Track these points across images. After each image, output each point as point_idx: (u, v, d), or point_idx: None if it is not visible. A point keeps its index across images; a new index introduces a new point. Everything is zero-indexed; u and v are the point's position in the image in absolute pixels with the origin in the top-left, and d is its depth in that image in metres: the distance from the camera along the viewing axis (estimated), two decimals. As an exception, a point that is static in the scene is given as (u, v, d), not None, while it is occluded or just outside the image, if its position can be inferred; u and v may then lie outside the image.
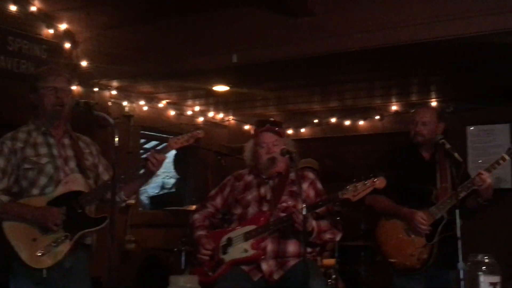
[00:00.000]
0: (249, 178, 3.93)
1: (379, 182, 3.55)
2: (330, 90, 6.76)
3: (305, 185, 3.84)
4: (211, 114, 7.61)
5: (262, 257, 3.63)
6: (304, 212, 3.34)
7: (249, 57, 5.00)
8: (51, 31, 5.27)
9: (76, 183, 3.31)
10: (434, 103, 6.73)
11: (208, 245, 3.73)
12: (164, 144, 3.54)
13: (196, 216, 3.95)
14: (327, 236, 3.78)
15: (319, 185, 3.92)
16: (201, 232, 3.84)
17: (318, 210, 3.70)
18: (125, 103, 6.30)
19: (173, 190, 8.95)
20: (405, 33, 4.48)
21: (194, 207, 5.05)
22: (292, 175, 3.80)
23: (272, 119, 6.37)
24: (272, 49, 4.93)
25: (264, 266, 3.63)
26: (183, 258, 5.55)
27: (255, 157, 3.90)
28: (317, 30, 4.75)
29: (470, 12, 4.25)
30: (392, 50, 4.71)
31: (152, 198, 8.64)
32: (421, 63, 5.41)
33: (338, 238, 3.88)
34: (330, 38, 4.73)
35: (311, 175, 3.97)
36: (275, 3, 4.71)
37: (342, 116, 7.69)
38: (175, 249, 5.70)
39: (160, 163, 3.40)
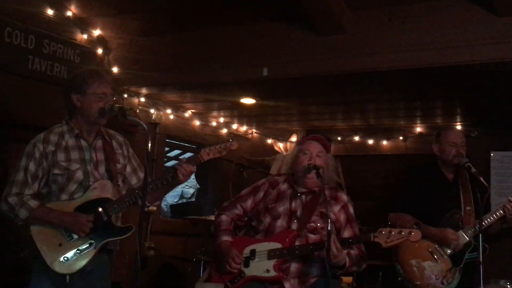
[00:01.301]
0: (284, 187, 3.83)
1: (415, 235, 3.46)
2: (354, 109, 6.75)
3: (336, 208, 3.75)
4: (234, 126, 7.63)
5: (283, 279, 3.55)
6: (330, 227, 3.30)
7: (279, 72, 5.00)
8: (85, 36, 5.34)
9: (105, 190, 3.28)
10: (458, 127, 6.70)
11: (237, 259, 3.61)
12: (195, 155, 3.44)
13: (224, 217, 3.82)
14: (354, 269, 3.70)
15: (351, 210, 3.81)
16: (227, 238, 3.73)
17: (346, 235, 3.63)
18: (152, 111, 6.35)
19: (193, 200, 8.97)
20: (433, 55, 4.47)
21: (213, 217, 5.04)
22: (327, 193, 3.67)
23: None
24: (301, 64, 4.94)
25: (287, 285, 3.55)
26: (201, 268, 5.56)
27: (295, 163, 3.80)
28: (345, 48, 4.76)
29: (499, 38, 4.24)
30: (417, 72, 4.71)
31: (172, 207, 8.64)
32: (447, 86, 5.38)
33: (362, 269, 3.81)
34: (356, 57, 4.73)
35: (344, 197, 3.85)
36: (307, 20, 4.73)
37: (365, 135, 7.67)
38: (194, 259, 5.71)
39: (189, 174, 3.33)
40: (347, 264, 3.53)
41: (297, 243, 3.62)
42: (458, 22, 4.38)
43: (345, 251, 3.52)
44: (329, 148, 3.96)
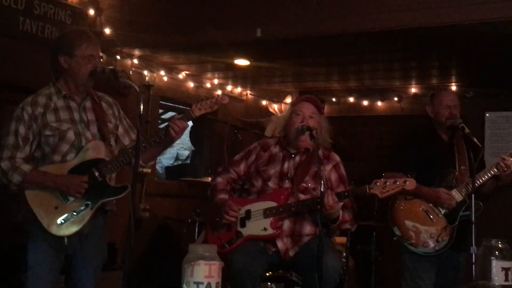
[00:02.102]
0: (275, 150, 3.86)
1: (410, 183, 3.51)
2: (349, 70, 6.72)
3: (328, 167, 3.78)
4: (229, 87, 7.59)
5: (281, 234, 3.61)
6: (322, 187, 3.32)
7: (273, 32, 4.95)
8: (76, -4, 5.29)
9: (98, 150, 3.26)
10: (453, 87, 6.68)
11: (235, 206, 3.67)
12: (187, 110, 3.41)
13: (219, 179, 3.88)
14: (346, 226, 3.76)
15: (342, 170, 3.85)
16: (224, 196, 3.78)
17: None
18: (145, 73, 6.32)
19: (188, 161, 8.99)
20: (426, 16, 4.43)
21: (209, 179, 5.07)
22: (320, 153, 3.70)
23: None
24: (295, 25, 4.89)
25: (280, 244, 3.61)
26: (196, 229, 5.61)
27: (288, 124, 3.82)
28: (340, 9, 4.71)
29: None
30: (413, 32, 4.68)
31: (167, 169, 8.67)
32: (442, 46, 5.35)
33: (354, 229, 3.87)
34: (352, 17, 4.69)
35: (336, 157, 3.89)
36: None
37: (360, 96, 7.65)
38: (189, 220, 5.76)
39: (182, 130, 3.30)
40: (340, 217, 3.57)
41: (289, 201, 3.66)
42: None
43: (340, 210, 3.56)
44: (322, 109, 3.98)
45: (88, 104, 3.36)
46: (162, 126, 8.47)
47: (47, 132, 3.21)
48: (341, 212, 3.59)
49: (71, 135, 3.24)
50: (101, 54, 4.19)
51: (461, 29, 4.51)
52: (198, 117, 3.40)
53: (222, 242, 3.67)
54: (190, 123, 7.78)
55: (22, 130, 3.20)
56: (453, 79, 6.72)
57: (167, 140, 3.38)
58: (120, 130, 3.47)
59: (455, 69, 6.40)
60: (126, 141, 3.46)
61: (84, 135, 3.27)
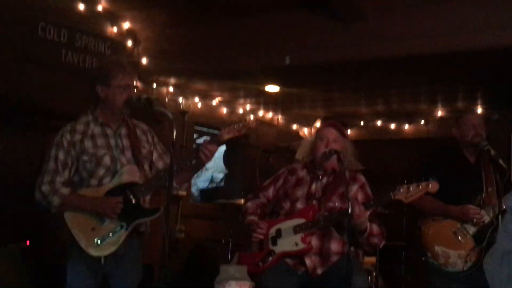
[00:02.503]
0: (302, 173, 3.85)
1: (433, 185, 3.45)
2: (377, 94, 6.68)
3: (354, 187, 3.75)
4: (261, 113, 7.62)
5: (312, 248, 3.57)
6: (350, 209, 3.29)
7: (301, 59, 4.98)
8: (115, 29, 5.36)
9: (132, 174, 3.28)
10: (479, 110, 6.58)
11: (262, 225, 3.68)
12: (216, 135, 3.41)
13: (249, 204, 3.90)
14: (375, 240, 3.65)
15: (368, 190, 3.81)
16: (254, 218, 3.79)
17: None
18: (180, 100, 6.38)
19: (222, 184, 9.00)
20: (451, 42, 4.40)
21: (242, 201, 5.06)
22: (346, 175, 3.65)
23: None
24: (322, 52, 4.91)
25: (308, 261, 3.57)
26: (230, 250, 5.58)
27: (314, 149, 3.81)
28: (367, 35, 4.71)
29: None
30: (439, 56, 4.64)
31: (202, 191, 8.68)
32: (468, 69, 5.29)
33: (382, 245, 3.78)
34: (379, 43, 4.69)
35: (362, 178, 3.86)
36: (328, 8, 4.66)
37: (387, 120, 7.59)
38: (223, 241, 5.74)
39: (212, 154, 3.30)
40: (368, 229, 3.51)
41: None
42: (480, 6, 4.29)
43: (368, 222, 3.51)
44: (346, 133, 3.96)
45: (123, 131, 3.39)
46: (195, 149, 8.53)
47: (85, 158, 3.26)
48: (368, 224, 3.53)
49: (107, 160, 3.28)
50: (138, 83, 4.26)
51: (485, 54, 4.46)
52: (226, 140, 3.38)
53: (256, 261, 3.65)
54: (224, 147, 7.83)
55: (61, 155, 3.25)
56: (479, 101, 6.64)
57: (198, 163, 3.39)
58: (155, 155, 3.49)
59: (480, 92, 6.31)
60: (160, 166, 3.48)
61: (119, 160, 3.31)
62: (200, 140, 8.55)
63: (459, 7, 4.36)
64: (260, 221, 3.73)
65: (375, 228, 3.62)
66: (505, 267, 1.37)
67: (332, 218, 3.57)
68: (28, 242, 4.30)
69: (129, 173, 3.29)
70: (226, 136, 3.36)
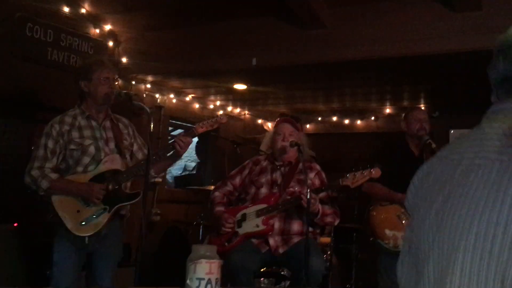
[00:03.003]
0: (265, 163, 3.92)
1: (375, 172, 3.57)
2: (333, 93, 6.75)
3: (311, 174, 3.83)
4: (229, 108, 7.62)
5: (270, 232, 3.64)
6: (309, 195, 3.35)
7: (266, 61, 4.98)
8: (97, 30, 5.29)
9: (115, 162, 3.30)
10: (422, 108, 6.70)
11: (230, 219, 3.73)
12: (191, 128, 3.48)
13: (217, 193, 3.93)
14: (329, 219, 3.76)
15: (323, 176, 3.91)
16: (221, 208, 3.83)
17: (321, 196, 3.69)
18: (157, 96, 6.33)
19: (194, 172, 8.98)
20: (400, 47, 4.46)
21: (212, 187, 5.07)
22: (300, 165, 3.78)
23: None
24: (285, 55, 4.92)
25: (271, 241, 3.63)
26: (201, 231, 5.59)
27: (272, 143, 3.89)
28: (325, 41, 4.75)
29: (455, 31, 4.24)
30: (389, 61, 4.71)
31: (176, 178, 8.65)
32: (413, 73, 5.39)
33: (336, 222, 3.85)
34: (335, 48, 4.72)
35: (317, 166, 3.95)
36: (291, 16, 4.70)
37: (342, 116, 7.68)
38: (194, 223, 5.74)
39: (186, 145, 3.35)
40: (321, 211, 3.61)
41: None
42: (421, 18, 4.37)
43: (320, 205, 3.61)
44: (299, 127, 4.02)
45: (107, 124, 3.41)
46: (171, 141, 8.49)
47: (72, 147, 3.26)
48: (320, 206, 3.61)
49: (92, 149, 3.28)
50: (118, 79, 4.24)
51: (428, 59, 4.54)
52: (200, 134, 3.47)
53: (222, 241, 3.70)
54: (196, 139, 7.80)
55: (50, 144, 3.24)
56: (422, 101, 6.75)
57: (174, 154, 3.43)
58: (135, 147, 3.51)
59: (423, 92, 6.43)
60: (140, 156, 3.50)
61: (103, 150, 3.31)
62: (175, 133, 8.53)
63: (404, 17, 4.43)
64: (228, 215, 3.76)
65: (327, 208, 3.71)
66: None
67: (289, 202, 3.64)
68: (15, 224, 4.24)
69: (111, 161, 3.30)
70: (200, 130, 3.43)
